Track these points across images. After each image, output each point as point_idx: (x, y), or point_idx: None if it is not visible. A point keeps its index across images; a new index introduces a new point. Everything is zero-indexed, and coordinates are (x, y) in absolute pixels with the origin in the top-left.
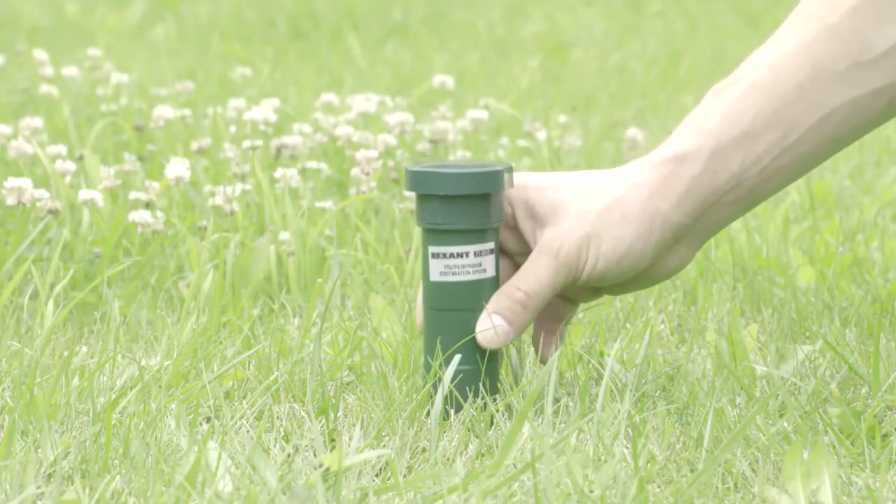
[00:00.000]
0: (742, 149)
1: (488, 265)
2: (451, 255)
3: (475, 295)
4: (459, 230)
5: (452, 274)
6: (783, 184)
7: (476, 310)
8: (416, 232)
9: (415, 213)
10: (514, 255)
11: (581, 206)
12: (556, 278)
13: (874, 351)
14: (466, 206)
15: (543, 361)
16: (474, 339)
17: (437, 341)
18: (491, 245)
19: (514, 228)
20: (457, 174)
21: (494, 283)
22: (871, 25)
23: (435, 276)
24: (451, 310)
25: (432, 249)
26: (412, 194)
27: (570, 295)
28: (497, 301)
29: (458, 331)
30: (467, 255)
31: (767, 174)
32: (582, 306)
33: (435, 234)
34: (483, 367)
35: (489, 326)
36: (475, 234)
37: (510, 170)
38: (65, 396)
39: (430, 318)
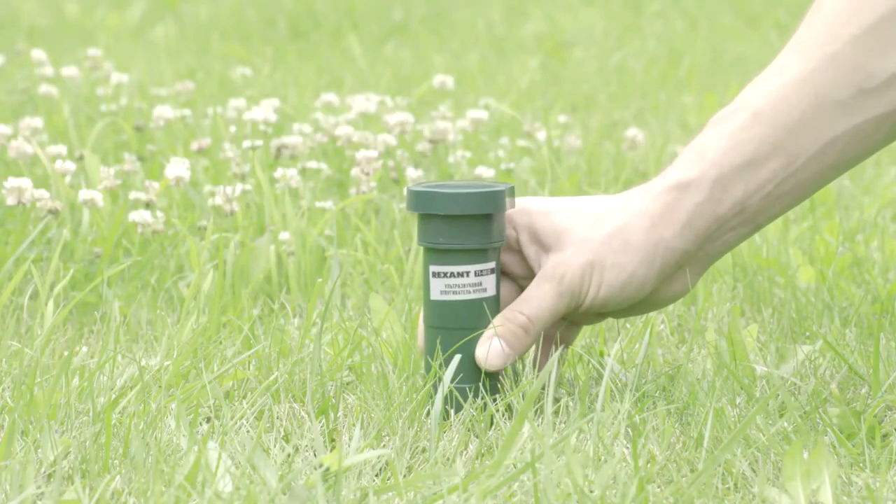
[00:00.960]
0: (745, 177)
1: (489, 284)
2: (452, 275)
3: (476, 314)
4: (461, 249)
5: (453, 293)
6: (785, 209)
7: (476, 329)
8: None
9: (416, 232)
10: (518, 278)
11: (584, 233)
12: (559, 304)
13: (874, 351)
14: (468, 225)
15: None
16: (474, 357)
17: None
18: (492, 264)
19: (518, 252)
20: (458, 194)
21: (495, 303)
22: (874, 54)
23: (435, 295)
24: (452, 328)
25: (433, 268)
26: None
27: (573, 319)
28: (499, 323)
29: (458, 350)
30: (468, 274)
31: (770, 200)
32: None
33: (436, 253)
34: (482, 385)
35: (489, 348)
36: (476, 254)
37: (512, 190)
38: (65, 396)
39: (431, 336)
